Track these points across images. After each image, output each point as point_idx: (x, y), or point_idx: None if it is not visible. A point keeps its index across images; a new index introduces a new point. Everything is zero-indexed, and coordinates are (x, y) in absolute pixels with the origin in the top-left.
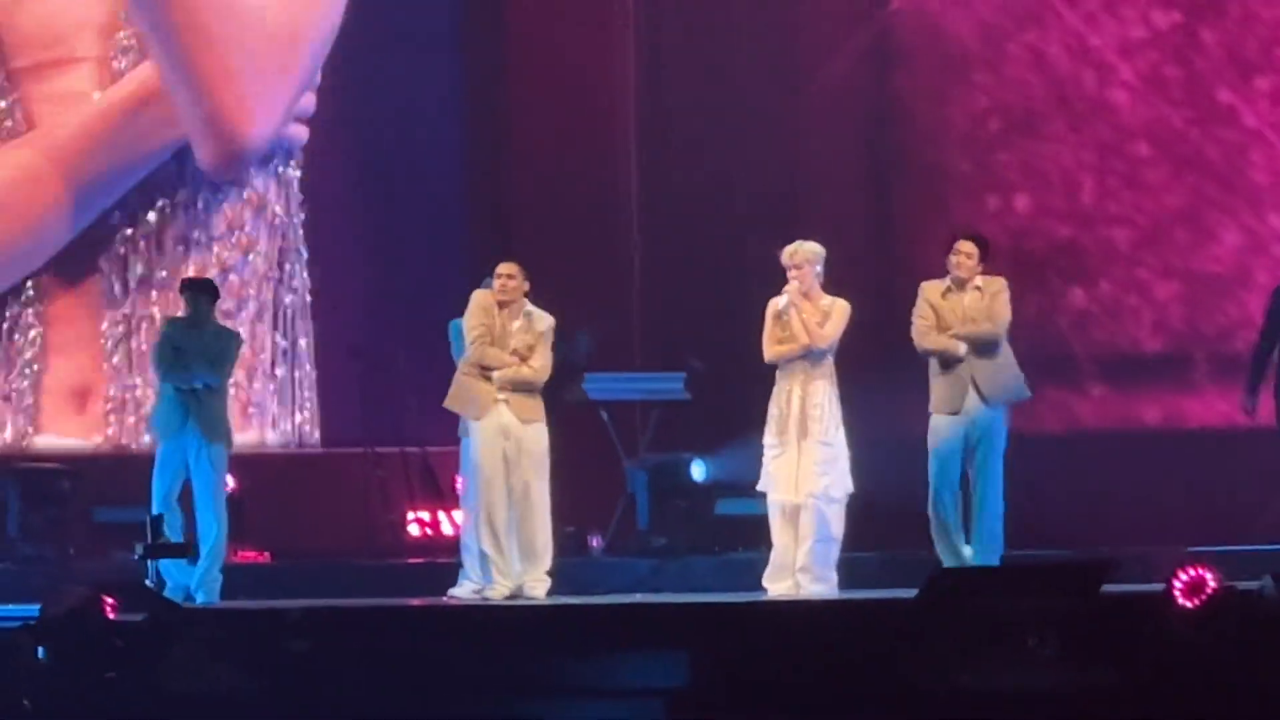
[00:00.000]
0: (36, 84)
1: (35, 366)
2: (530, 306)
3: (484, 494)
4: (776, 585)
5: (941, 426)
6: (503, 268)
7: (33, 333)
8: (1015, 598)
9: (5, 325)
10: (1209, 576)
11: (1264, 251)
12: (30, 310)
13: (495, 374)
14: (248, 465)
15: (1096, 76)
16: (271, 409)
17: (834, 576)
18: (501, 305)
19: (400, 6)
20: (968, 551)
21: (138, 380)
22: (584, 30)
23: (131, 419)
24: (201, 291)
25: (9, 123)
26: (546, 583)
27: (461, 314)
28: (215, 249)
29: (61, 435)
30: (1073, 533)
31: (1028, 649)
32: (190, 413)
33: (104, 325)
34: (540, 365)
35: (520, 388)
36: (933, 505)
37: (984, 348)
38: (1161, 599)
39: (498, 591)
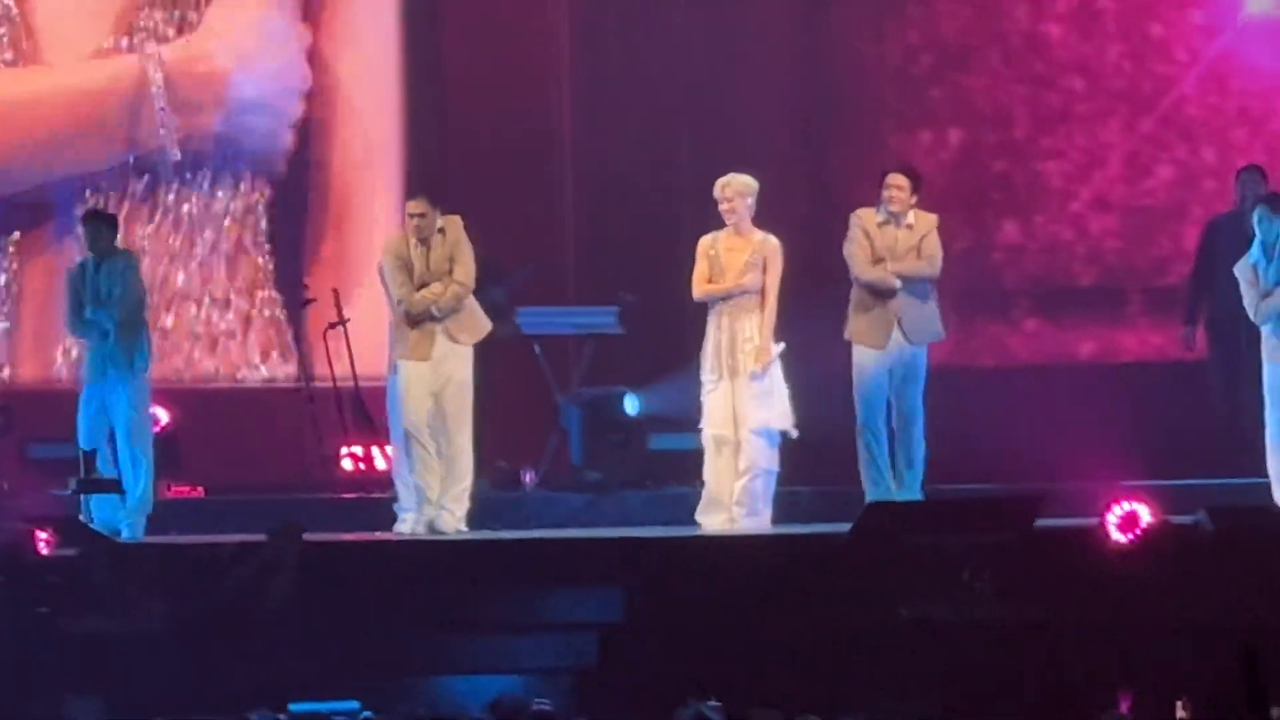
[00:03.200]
0: None
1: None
2: (439, 224)
3: (413, 425)
4: (710, 519)
5: (867, 363)
6: (412, 206)
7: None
8: (949, 532)
9: None
10: (1143, 510)
11: (1197, 185)
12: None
13: (434, 309)
14: (181, 400)
15: (1029, 10)
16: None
17: (768, 511)
18: (418, 242)
19: None
20: (894, 487)
21: None
22: None
23: (75, 352)
24: (101, 222)
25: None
26: (461, 511)
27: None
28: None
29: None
30: (1006, 467)
31: (962, 583)
32: (108, 356)
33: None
34: (463, 275)
35: (459, 306)
36: (861, 440)
37: (915, 287)
38: (1095, 533)
39: (418, 523)
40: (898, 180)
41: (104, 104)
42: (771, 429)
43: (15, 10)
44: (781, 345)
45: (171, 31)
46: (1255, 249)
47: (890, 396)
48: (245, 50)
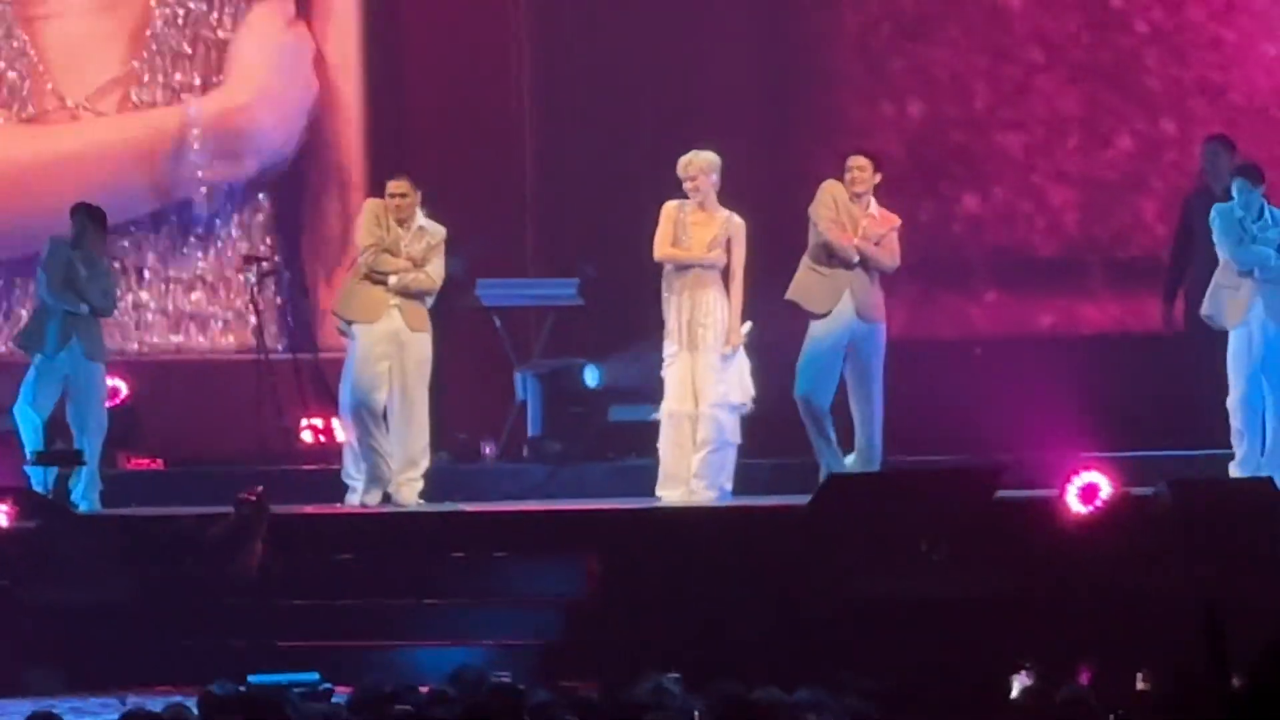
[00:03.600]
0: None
1: None
2: (423, 220)
3: (366, 397)
4: (669, 493)
5: (820, 331)
6: (394, 186)
7: None
8: (908, 503)
9: None
10: (1103, 482)
11: (1158, 156)
12: None
13: (391, 279)
14: (140, 371)
15: None
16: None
17: (728, 484)
18: (398, 221)
19: None
20: (849, 460)
21: None
22: None
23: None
24: (90, 218)
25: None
26: (419, 484)
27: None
28: None
29: None
30: (966, 439)
31: (921, 555)
32: (75, 333)
33: None
34: (434, 272)
35: (414, 294)
36: (805, 403)
37: (868, 269)
38: (1055, 504)
39: (373, 496)
40: (859, 162)
41: (144, 158)
42: (731, 402)
43: (29, 45)
44: (749, 325)
45: (186, 46)
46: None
47: (845, 371)
48: (271, 89)
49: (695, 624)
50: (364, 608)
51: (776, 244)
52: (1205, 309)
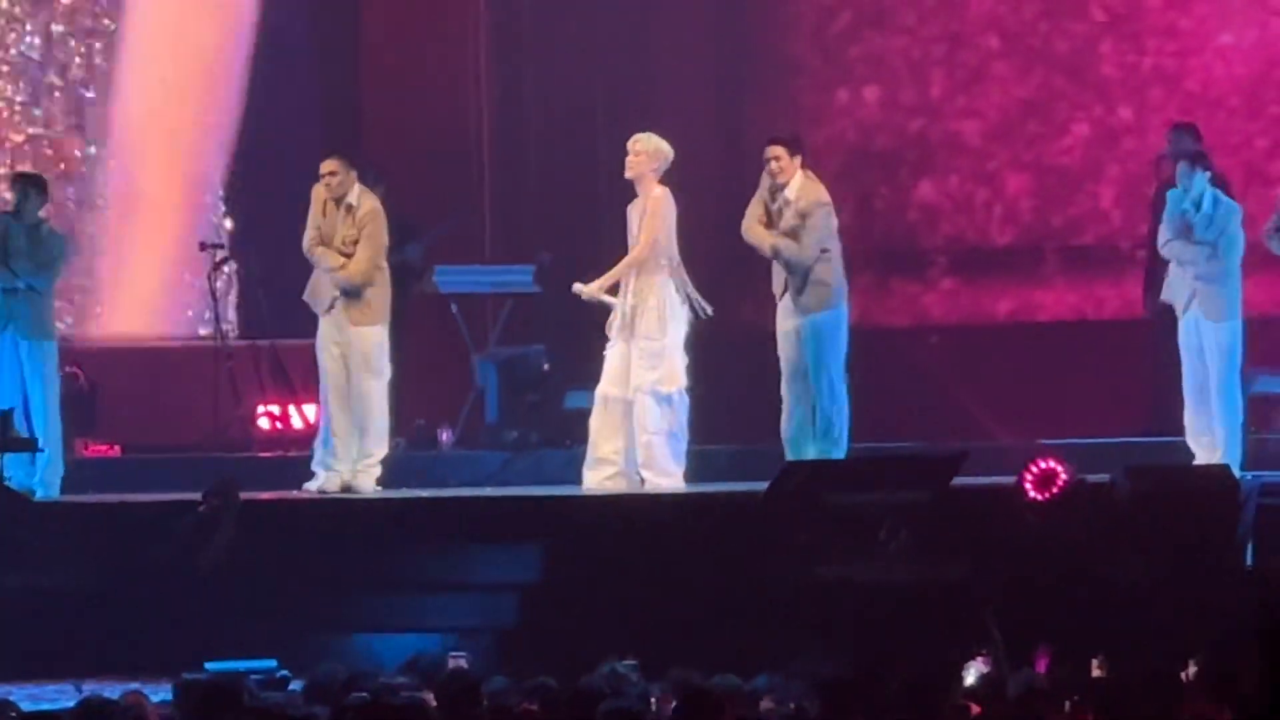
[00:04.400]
0: None
1: None
2: (353, 195)
3: (322, 386)
4: (593, 475)
5: (780, 317)
6: (324, 166)
7: None
8: (866, 491)
9: None
10: (1060, 469)
11: (1114, 144)
12: None
13: (326, 269)
14: (98, 358)
15: None
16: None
17: (678, 470)
18: (333, 200)
19: None
20: (811, 451)
21: None
22: None
23: None
24: (31, 185)
25: None
26: (376, 471)
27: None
28: None
29: None
30: (923, 426)
31: (878, 542)
32: (12, 312)
33: None
34: (358, 263)
35: (346, 290)
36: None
37: (793, 263)
38: (1012, 492)
39: (331, 481)
40: (773, 151)
41: None
42: (659, 390)
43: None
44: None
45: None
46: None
47: (795, 358)
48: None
49: (652, 610)
50: (321, 594)
51: (733, 231)
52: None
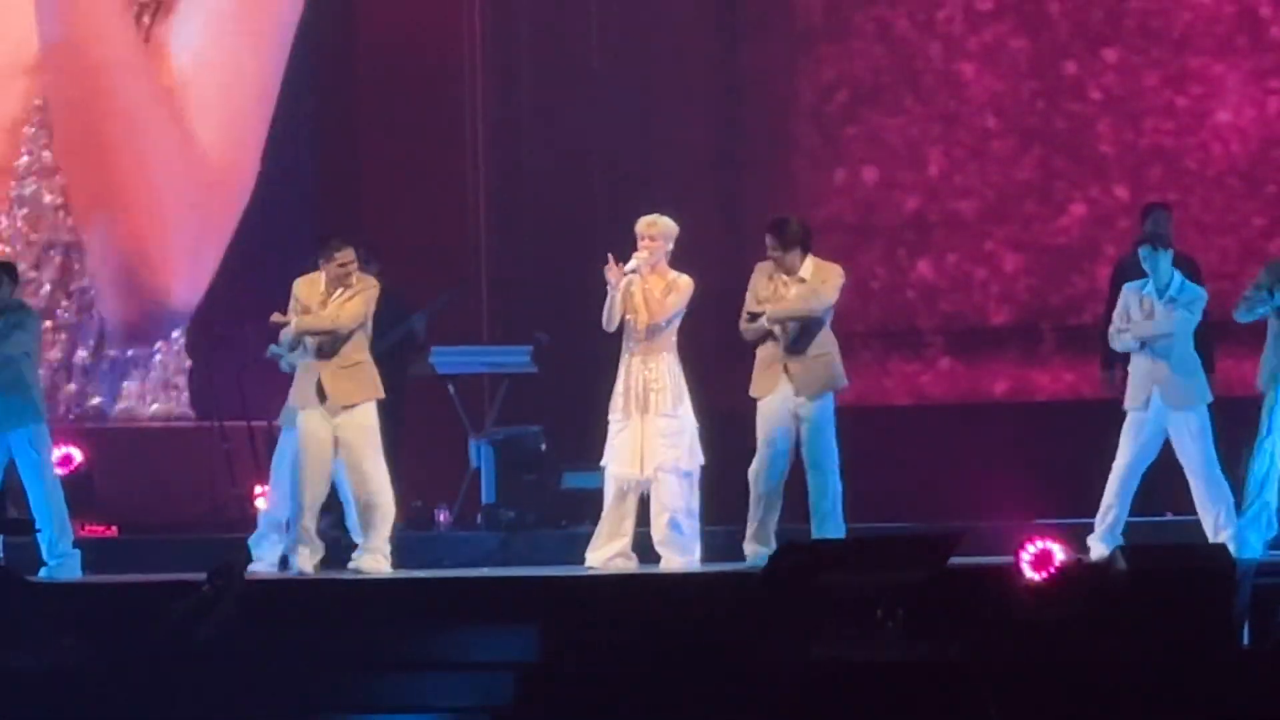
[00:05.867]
0: None
1: None
2: (353, 279)
3: (306, 471)
4: (595, 555)
5: (765, 410)
6: (342, 255)
7: None
8: (862, 571)
9: None
10: (1056, 549)
11: (1111, 223)
12: None
13: (308, 340)
14: (96, 439)
15: (943, 48)
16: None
17: (696, 551)
18: (338, 284)
19: None
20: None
21: None
22: (431, 1)
23: None
24: (2, 273)
25: None
26: (383, 550)
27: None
28: None
29: None
30: (920, 506)
31: (876, 622)
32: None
33: None
34: (342, 312)
35: (326, 344)
36: (754, 481)
37: (795, 339)
38: (1009, 571)
39: (303, 559)
40: (768, 239)
41: None
42: (680, 468)
43: None
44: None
45: None
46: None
47: (790, 447)
48: None
49: (648, 692)
50: (318, 674)
51: (727, 311)
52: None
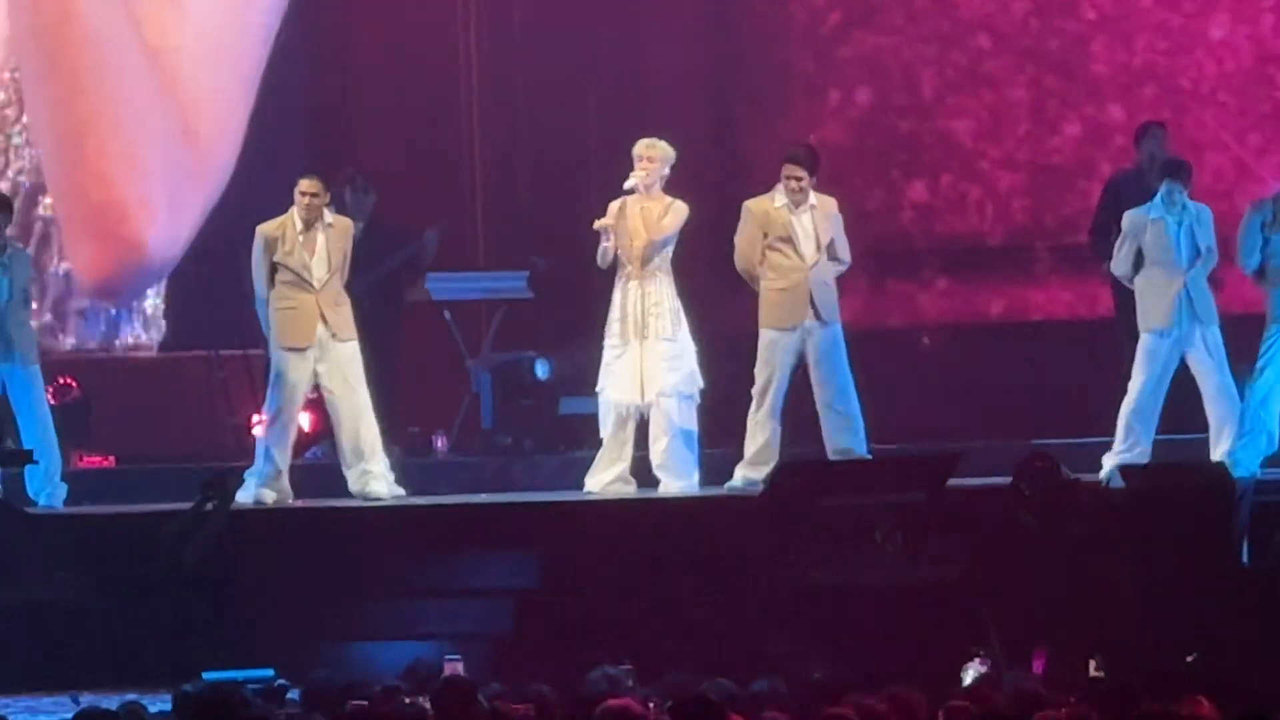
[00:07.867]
0: None
1: None
2: (329, 215)
3: (287, 406)
4: (594, 479)
5: (777, 340)
6: (306, 185)
7: None
8: (860, 492)
9: None
10: (1054, 469)
11: (1105, 142)
12: None
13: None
14: (92, 370)
15: None
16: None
17: (695, 474)
18: (305, 222)
19: None
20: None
21: None
22: None
23: None
24: None
25: None
26: (387, 477)
27: None
28: None
29: None
30: (918, 427)
31: (874, 544)
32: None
33: None
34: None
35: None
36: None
37: (824, 270)
38: (1007, 492)
39: (268, 495)
40: (795, 171)
41: None
42: (682, 391)
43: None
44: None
45: None
46: (1159, 208)
47: (805, 371)
48: None
49: (648, 615)
50: (318, 602)
51: (721, 236)
52: None
